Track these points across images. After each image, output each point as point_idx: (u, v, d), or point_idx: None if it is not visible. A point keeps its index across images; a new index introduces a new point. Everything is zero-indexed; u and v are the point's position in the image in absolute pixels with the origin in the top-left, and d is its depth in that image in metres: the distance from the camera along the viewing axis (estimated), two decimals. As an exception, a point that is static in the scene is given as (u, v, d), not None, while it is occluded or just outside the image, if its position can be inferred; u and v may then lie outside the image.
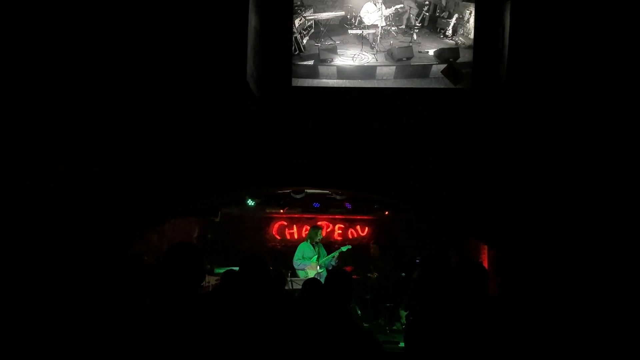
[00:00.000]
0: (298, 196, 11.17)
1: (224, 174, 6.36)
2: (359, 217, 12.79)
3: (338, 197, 11.44)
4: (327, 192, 11.40)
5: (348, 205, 12.01)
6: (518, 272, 7.06)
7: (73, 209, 6.32)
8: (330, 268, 10.93)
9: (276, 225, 12.95)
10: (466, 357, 3.19)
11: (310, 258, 10.82)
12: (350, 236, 12.99)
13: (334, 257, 11.06)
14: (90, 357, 4.23)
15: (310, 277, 10.33)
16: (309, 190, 11.16)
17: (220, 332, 3.28)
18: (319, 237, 11.14)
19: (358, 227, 13.02)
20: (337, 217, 12.80)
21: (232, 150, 6.05)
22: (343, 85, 5.93)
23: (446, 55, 5.81)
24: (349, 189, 7.54)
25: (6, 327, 5.18)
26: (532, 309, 6.18)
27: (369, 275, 10.91)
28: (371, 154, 6.13)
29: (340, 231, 12.97)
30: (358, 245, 12.72)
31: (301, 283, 9.97)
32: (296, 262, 10.77)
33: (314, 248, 10.92)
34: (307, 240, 11.11)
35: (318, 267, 10.81)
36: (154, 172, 6.62)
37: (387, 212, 12.20)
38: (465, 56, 5.78)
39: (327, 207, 12.14)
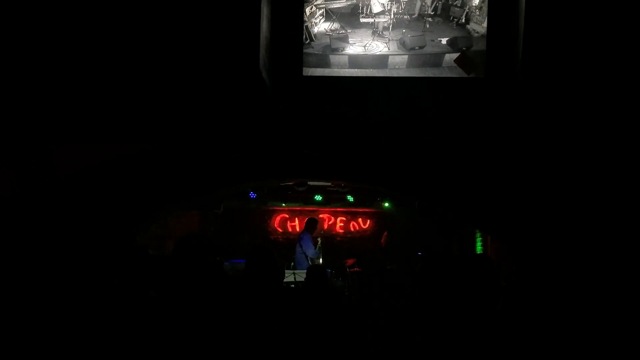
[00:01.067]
0: (301, 189, 11.08)
1: (233, 165, 6.25)
2: (361, 210, 12.72)
3: (341, 190, 11.35)
4: (330, 184, 11.33)
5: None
6: (522, 264, 6.99)
7: (81, 200, 6.20)
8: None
9: (278, 218, 12.87)
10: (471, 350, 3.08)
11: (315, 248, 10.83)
12: (352, 229, 12.93)
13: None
14: (97, 349, 3.98)
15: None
16: (311, 183, 11.07)
17: (227, 324, 3.23)
18: (317, 230, 11.14)
19: (360, 220, 12.94)
20: (338, 209, 12.72)
21: (242, 141, 5.93)
22: (355, 75, 5.79)
23: (459, 44, 5.68)
24: (359, 181, 7.42)
25: (12, 318, 5.05)
26: (536, 302, 6.11)
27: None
28: (382, 144, 6.02)
29: (342, 224, 12.90)
30: (360, 238, 12.68)
31: (304, 275, 9.96)
32: (313, 252, 10.71)
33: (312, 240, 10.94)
34: (305, 231, 11.08)
35: (322, 260, 10.79)
36: (162, 163, 6.50)
37: (386, 205, 12.12)
38: (478, 45, 5.65)
39: (329, 199, 12.08)
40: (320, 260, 10.77)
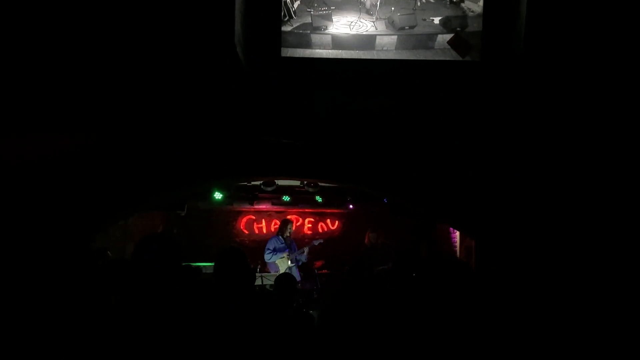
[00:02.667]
0: (269, 188, 10.37)
1: (205, 159, 5.45)
2: (329, 211, 12.06)
3: (310, 190, 10.65)
4: (298, 184, 10.68)
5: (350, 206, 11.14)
6: (503, 264, 6.53)
7: (32, 198, 5.35)
8: (300, 263, 10.26)
9: (244, 220, 12.07)
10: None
11: (281, 252, 10.07)
12: (320, 230, 12.25)
13: (304, 252, 10.35)
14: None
15: (280, 271, 9.64)
16: (280, 183, 10.39)
17: (197, 330, 2.94)
18: (290, 231, 10.43)
19: (328, 221, 12.28)
20: (307, 210, 12.02)
21: (214, 131, 5.14)
22: (338, 57, 5.04)
23: (453, 24, 4.99)
24: (340, 181, 6.67)
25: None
26: (512, 301, 5.57)
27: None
28: (366, 134, 5.32)
29: (310, 225, 12.22)
30: (328, 239, 12.02)
31: (272, 278, 9.28)
32: (267, 256, 10.00)
33: (285, 242, 10.17)
34: (277, 234, 10.39)
35: (289, 261, 10.05)
36: (121, 156, 5.68)
37: (351, 206, 11.47)
38: (474, 25, 4.97)
39: (297, 200, 11.38)
40: (289, 262, 10.05)
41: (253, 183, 10.54)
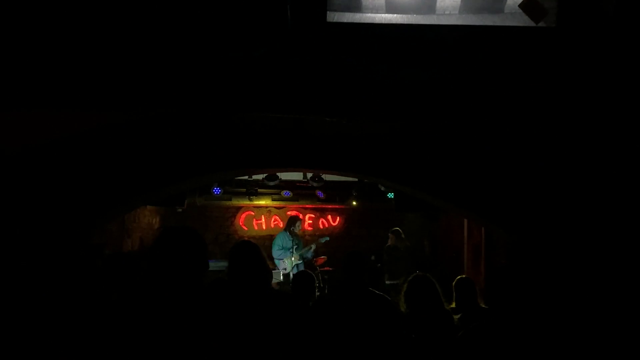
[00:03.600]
0: (271, 183, 9.49)
1: (236, 145, 4.51)
2: (330, 207, 11.19)
3: (315, 185, 9.76)
4: (300, 179, 9.88)
5: (320, 194, 10.36)
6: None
7: (26, 188, 4.37)
8: (306, 260, 9.46)
9: (243, 216, 11.14)
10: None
11: (289, 249, 9.24)
12: (321, 226, 11.42)
13: (311, 249, 9.53)
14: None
15: (288, 268, 9.08)
16: (283, 177, 9.50)
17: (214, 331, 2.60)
18: (298, 228, 9.65)
19: (329, 217, 11.40)
20: (307, 206, 11.15)
21: (248, 109, 4.18)
22: (393, 22, 4.12)
23: (525, -15, 4.11)
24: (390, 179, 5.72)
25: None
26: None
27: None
28: (417, 116, 4.44)
29: (310, 221, 11.36)
30: (329, 236, 11.17)
31: (276, 275, 8.52)
32: (276, 252, 9.23)
33: (292, 238, 9.30)
34: (284, 230, 9.54)
35: (293, 258, 9.24)
36: (131, 139, 4.72)
37: (354, 203, 10.61)
38: (550, -14, 4.10)
39: (297, 196, 10.55)
40: (293, 260, 9.20)
41: (254, 177, 9.68)
